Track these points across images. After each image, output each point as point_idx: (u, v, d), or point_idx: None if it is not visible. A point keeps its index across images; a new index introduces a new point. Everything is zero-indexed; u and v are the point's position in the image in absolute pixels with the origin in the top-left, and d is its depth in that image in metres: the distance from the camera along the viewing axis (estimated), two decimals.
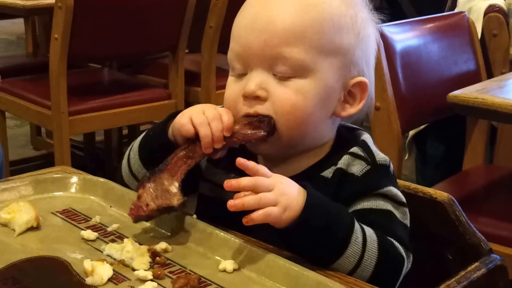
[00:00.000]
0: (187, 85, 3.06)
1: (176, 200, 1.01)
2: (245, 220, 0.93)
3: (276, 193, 0.94)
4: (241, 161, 0.96)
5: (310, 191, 0.98)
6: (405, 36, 2.03)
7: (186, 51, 3.05)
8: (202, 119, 1.05)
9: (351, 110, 1.10)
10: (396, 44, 1.93)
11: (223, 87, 3.48)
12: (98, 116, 2.83)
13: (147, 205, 1.01)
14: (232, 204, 0.93)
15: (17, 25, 6.09)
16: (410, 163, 3.01)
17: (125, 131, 3.77)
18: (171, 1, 2.86)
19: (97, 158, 3.71)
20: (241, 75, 1.08)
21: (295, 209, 0.95)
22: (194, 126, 1.05)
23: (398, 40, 1.96)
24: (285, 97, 1.04)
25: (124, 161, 1.17)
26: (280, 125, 1.05)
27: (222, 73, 3.16)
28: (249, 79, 1.06)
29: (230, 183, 0.94)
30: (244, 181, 0.94)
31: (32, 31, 3.83)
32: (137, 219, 1.03)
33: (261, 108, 1.05)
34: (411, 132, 2.60)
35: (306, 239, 0.97)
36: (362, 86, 1.10)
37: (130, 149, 1.17)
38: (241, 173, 1.13)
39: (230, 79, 1.10)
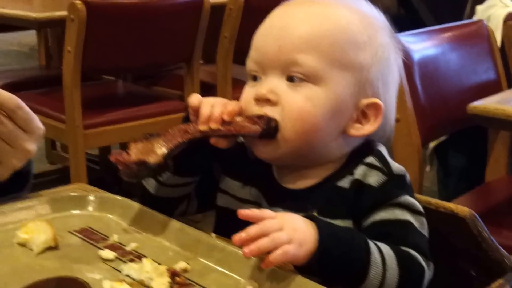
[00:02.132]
0: (203, 96, 3.04)
1: (152, 159, 1.02)
2: (264, 265, 0.93)
3: (288, 231, 0.94)
4: (242, 213, 0.96)
5: (319, 221, 0.98)
6: (423, 45, 2.02)
7: (201, 62, 3.04)
8: (208, 100, 1.09)
9: (362, 131, 1.10)
10: (414, 54, 1.92)
11: (240, 97, 3.46)
12: (113, 130, 2.83)
13: (128, 154, 1.03)
14: (248, 250, 0.92)
15: (29, 36, 6.12)
16: (432, 174, 2.98)
17: None
18: (185, 12, 2.86)
19: (113, 172, 3.69)
20: (256, 81, 1.11)
21: (311, 242, 0.95)
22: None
23: (416, 50, 1.94)
24: (294, 101, 1.06)
25: None
26: (286, 130, 1.07)
27: (238, 84, 3.15)
28: (262, 83, 1.09)
29: (239, 237, 0.93)
30: (252, 230, 0.94)
31: (44, 43, 3.83)
32: (121, 169, 1.05)
33: (270, 111, 1.07)
34: (432, 144, 2.58)
35: (328, 269, 0.96)
36: (376, 107, 1.10)
37: None
38: (258, 185, 1.14)
39: (247, 85, 1.13)
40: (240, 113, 1.09)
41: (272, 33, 1.10)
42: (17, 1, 3.40)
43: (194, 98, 1.10)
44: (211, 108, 1.07)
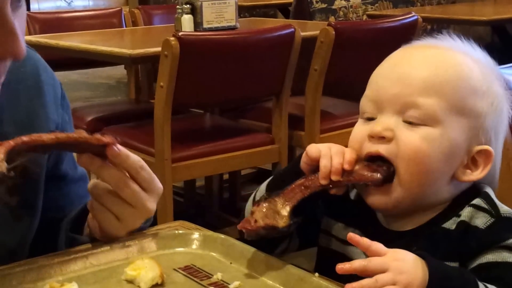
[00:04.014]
0: (290, 129, 3.05)
1: (282, 222, 1.05)
2: None
3: (393, 273, 0.94)
4: (352, 237, 0.98)
5: (431, 261, 0.96)
6: None
7: (289, 94, 3.05)
8: (327, 152, 1.09)
9: (472, 176, 1.11)
10: None
11: (328, 130, 3.45)
12: (200, 163, 2.85)
13: (255, 221, 1.05)
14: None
15: (116, 69, 6.30)
16: None
17: (225, 176, 3.78)
18: (276, 45, 2.88)
19: (198, 204, 3.72)
20: (370, 119, 1.12)
21: (417, 285, 0.94)
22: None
23: None
24: (410, 141, 1.07)
25: (248, 205, 1.19)
26: (400, 171, 1.07)
27: (327, 117, 3.14)
28: (377, 121, 1.10)
29: (343, 267, 0.95)
30: (357, 263, 0.95)
31: (134, 77, 3.91)
32: (247, 234, 1.07)
33: (384, 149, 1.08)
34: None
35: None
36: (487, 154, 1.10)
37: (256, 192, 1.20)
38: (362, 227, 1.14)
39: (358, 122, 1.14)
40: (358, 159, 1.09)
41: (393, 74, 1.11)
42: (108, 38, 3.50)
43: (314, 150, 1.10)
44: (331, 161, 1.07)
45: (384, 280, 0.92)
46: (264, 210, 1.05)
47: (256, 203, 1.07)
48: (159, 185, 1.13)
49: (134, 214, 1.13)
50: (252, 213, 1.06)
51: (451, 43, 1.16)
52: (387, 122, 1.09)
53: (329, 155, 1.08)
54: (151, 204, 1.13)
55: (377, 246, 0.97)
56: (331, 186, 1.08)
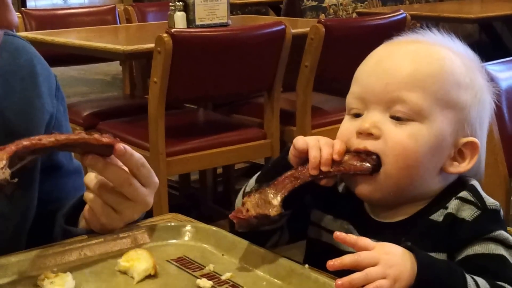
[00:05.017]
0: (282, 124, 3.08)
1: (273, 211, 1.06)
2: None
3: (383, 266, 0.95)
4: (339, 235, 0.99)
5: (418, 254, 0.98)
6: (510, 74, 1.98)
7: (281, 90, 3.07)
8: (315, 143, 1.10)
9: (459, 168, 1.12)
10: (501, 82, 1.88)
11: (319, 126, 3.47)
12: (194, 157, 2.88)
13: (247, 210, 1.06)
14: (340, 283, 0.93)
15: (112, 65, 6.30)
16: None
17: (219, 170, 3.81)
18: (267, 42, 2.91)
19: (192, 198, 3.75)
20: (357, 116, 1.13)
21: (407, 278, 0.95)
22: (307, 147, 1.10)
23: (503, 79, 1.91)
24: (397, 138, 1.08)
25: (239, 197, 1.20)
26: (387, 165, 1.08)
27: (318, 112, 3.17)
28: (365, 118, 1.11)
29: (333, 264, 0.95)
30: (346, 258, 0.95)
31: (129, 73, 3.93)
32: (238, 224, 1.08)
33: (371, 145, 1.09)
34: None
35: None
36: (473, 146, 1.12)
37: (246, 186, 1.21)
38: (350, 219, 1.16)
39: (345, 118, 1.15)
40: (347, 150, 1.11)
41: (378, 70, 1.12)
42: (102, 34, 3.52)
43: (301, 142, 1.11)
44: (320, 151, 1.09)
45: (374, 273, 0.93)
46: (255, 200, 1.07)
47: (247, 194, 1.08)
48: (155, 179, 1.16)
49: (133, 208, 1.16)
50: (244, 203, 1.07)
51: (432, 37, 1.17)
52: (374, 118, 1.10)
53: (317, 146, 1.09)
54: (150, 198, 1.16)
55: (364, 241, 0.97)
56: (321, 176, 1.09)
